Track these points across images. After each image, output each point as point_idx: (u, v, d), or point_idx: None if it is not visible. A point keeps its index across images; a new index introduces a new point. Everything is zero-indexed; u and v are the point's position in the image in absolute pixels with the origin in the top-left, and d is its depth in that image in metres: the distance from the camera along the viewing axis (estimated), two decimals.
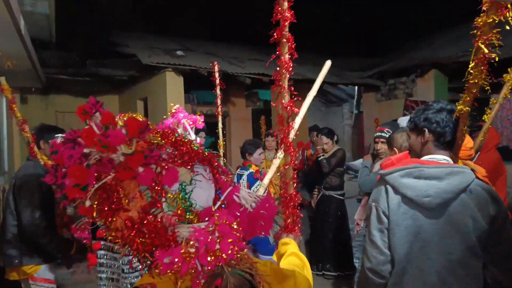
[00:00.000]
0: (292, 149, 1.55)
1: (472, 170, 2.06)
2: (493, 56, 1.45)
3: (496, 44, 1.41)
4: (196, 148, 0.97)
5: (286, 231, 1.62)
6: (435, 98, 7.26)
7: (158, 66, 6.13)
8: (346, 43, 9.13)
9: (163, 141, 0.94)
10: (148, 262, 0.86)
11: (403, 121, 3.77)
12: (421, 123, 1.63)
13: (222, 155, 4.41)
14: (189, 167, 0.91)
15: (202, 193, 0.91)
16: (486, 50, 1.39)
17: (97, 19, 7.79)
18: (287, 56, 1.47)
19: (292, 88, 1.58)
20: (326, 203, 4.63)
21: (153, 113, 7.08)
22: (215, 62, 4.24)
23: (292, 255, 1.36)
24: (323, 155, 4.55)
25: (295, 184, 1.67)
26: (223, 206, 0.95)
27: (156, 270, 0.83)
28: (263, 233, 1.02)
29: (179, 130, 1.16)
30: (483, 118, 2.17)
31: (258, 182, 3.37)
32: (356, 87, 11.50)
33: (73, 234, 2.21)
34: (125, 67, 6.89)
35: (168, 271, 0.81)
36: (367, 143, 8.90)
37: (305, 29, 9.35)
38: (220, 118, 4.42)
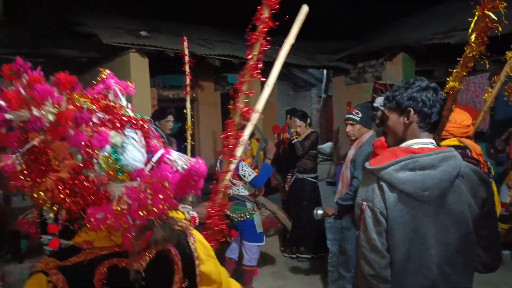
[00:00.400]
0: (232, 157, 1.52)
1: (466, 148, 2.04)
2: (496, 27, 1.37)
3: (503, 12, 1.34)
4: (128, 113, 1.02)
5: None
6: (403, 81, 7.36)
7: (121, 46, 5.74)
8: (316, 25, 9.02)
9: (93, 106, 0.97)
10: (82, 221, 0.89)
11: (380, 101, 3.74)
12: (405, 102, 1.48)
13: (190, 138, 4.21)
14: (120, 131, 0.95)
15: (134, 155, 0.93)
16: (493, 17, 1.31)
17: None
18: (255, 57, 1.44)
19: (253, 92, 1.51)
20: (300, 186, 4.59)
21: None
22: (185, 38, 4.04)
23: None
24: (296, 138, 4.48)
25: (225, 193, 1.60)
26: (154, 167, 0.97)
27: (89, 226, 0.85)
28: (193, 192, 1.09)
29: (110, 96, 1.14)
30: (483, 97, 2.11)
31: (242, 164, 3.26)
32: (325, 71, 11.50)
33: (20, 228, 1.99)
34: (84, 48, 6.41)
35: (101, 225, 0.84)
36: (336, 126, 8.95)
37: (275, 12, 9.16)
38: (188, 98, 4.21)
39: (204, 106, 8.55)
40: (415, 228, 1.38)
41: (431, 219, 1.38)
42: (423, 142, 1.46)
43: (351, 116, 3.17)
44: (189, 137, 4.17)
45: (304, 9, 1.54)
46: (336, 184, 6.92)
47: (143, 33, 6.51)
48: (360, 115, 3.10)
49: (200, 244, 1.12)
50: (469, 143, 2.14)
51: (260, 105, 1.57)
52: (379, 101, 3.74)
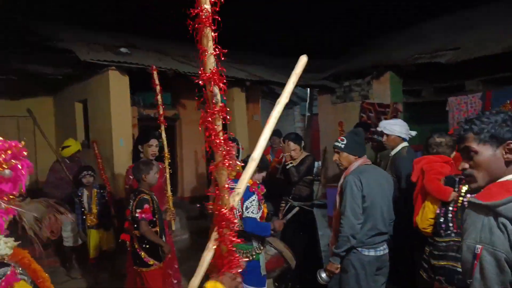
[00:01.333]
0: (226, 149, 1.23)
1: None
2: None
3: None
4: None
5: (220, 270, 1.25)
6: (391, 101, 7.28)
7: (100, 64, 5.38)
8: (301, 43, 8.93)
9: None
10: None
11: (385, 125, 3.53)
12: (506, 134, 1.30)
13: (168, 166, 3.87)
14: None
15: None
16: None
17: (19, 7, 6.71)
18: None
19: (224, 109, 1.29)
20: (296, 216, 4.26)
21: (94, 117, 6.27)
22: (154, 68, 3.93)
23: None
24: (291, 163, 4.18)
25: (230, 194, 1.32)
26: None
27: None
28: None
29: None
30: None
31: (253, 197, 2.87)
32: (308, 89, 11.40)
33: None
34: (58, 64, 6.01)
35: None
36: (322, 146, 8.76)
37: (260, 30, 9.05)
38: (163, 127, 3.93)
39: (187, 125, 8.21)
40: None
41: None
42: None
43: (336, 143, 2.90)
44: (167, 166, 3.88)
45: (303, 60, 1.27)
46: (326, 206, 6.69)
47: (123, 49, 6.18)
48: (345, 141, 2.82)
49: None
50: None
51: (256, 152, 1.28)
52: (383, 125, 3.53)
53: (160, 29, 7.63)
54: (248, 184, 2.90)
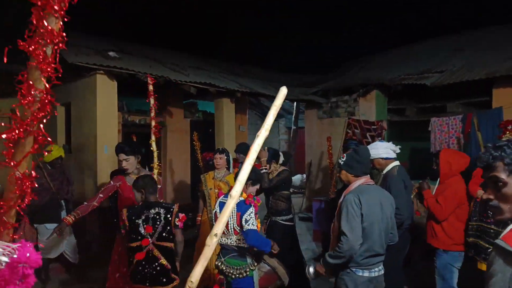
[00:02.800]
0: None
1: None
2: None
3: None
4: None
5: None
6: (376, 118, 7.40)
7: (88, 67, 5.24)
8: (289, 58, 9.03)
9: None
10: None
11: (379, 147, 3.56)
12: None
13: (157, 175, 3.79)
14: None
15: None
16: None
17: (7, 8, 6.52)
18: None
19: None
20: (275, 230, 4.21)
21: (77, 121, 6.08)
22: (151, 77, 3.88)
23: None
24: (265, 168, 4.13)
25: None
26: None
27: None
28: None
29: None
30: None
31: (251, 209, 2.78)
32: (295, 103, 11.49)
33: None
34: None
35: None
36: (308, 159, 8.80)
37: (253, 43, 9.11)
38: (154, 138, 3.86)
39: (172, 133, 8.09)
40: None
41: None
42: None
43: (338, 160, 2.90)
44: (157, 177, 3.76)
45: (282, 91, 1.21)
46: (311, 220, 6.67)
47: (111, 53, 6.06)
48: (344, 159, 2.82)
49: None
50: None
51: (236, 189, 1.17)
52: (377, 146, 3.56)
53: (152, 36, 7.56)
54: (243, 198, 2.85)
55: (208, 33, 7.52)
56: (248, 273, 2.76)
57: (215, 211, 2.96)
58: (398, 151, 3.62)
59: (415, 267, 4.65)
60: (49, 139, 1.22)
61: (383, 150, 3.51)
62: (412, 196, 3.81)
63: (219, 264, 2.89)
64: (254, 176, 2.97)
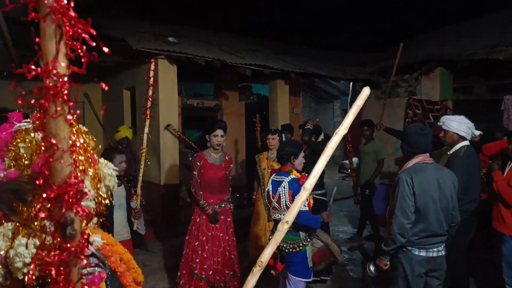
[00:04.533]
0: None
1: None
2: None
3: None
4: None
5: None
6: (440, 98, 6.97)
7: (150, 52, 5.52)
8: (346, 37, 8.72)
9: None
10: None
11: (447, 120, 3.39)
12: None
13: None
14: None
15: None
16: None
17: None
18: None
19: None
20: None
21: (141, 105, 6.44)
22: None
23: None
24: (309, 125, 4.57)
25: None
26: None
27: None
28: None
29: None
30: None
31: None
32: (351, 84, 11.15)
33: None
34: (111, 52, 6.20)
35: None
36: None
37: (306, 23, 8.93)
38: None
39: (228, 115, 8.29)
40: None
41: None
42: None
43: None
44: (143, 162, 3.50)
45: (365, 91, 1.15)
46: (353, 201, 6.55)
47: (171, 39, 6.30)
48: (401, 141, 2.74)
49: None
50: None
51: (309, 182, 1.17)
52: (443, 119, 3.39)
53: (206, 20, 7.71)
54: (296, 177, 2.88)
55: (261, 14, 7.47)
56: (301, 247, 2.81)
57: (268, 189, 3.00)
58: (477, 134, 3.41)
59: (477, 256, 4.41)
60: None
61: (464, 128, 3.27)
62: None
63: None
64: (293, 148, 2.97)
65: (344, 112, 13.06)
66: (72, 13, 0.66)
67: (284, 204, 2.84)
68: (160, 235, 5.80)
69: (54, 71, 0.65)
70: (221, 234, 3.70)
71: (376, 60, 8.25)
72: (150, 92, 3.69)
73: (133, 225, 3.24)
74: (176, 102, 6.01)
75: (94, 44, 0.69)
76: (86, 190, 0.78)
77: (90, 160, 0.94)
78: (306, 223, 2.76)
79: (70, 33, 0.67)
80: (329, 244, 3.00)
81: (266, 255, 1.18)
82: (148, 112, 3.64)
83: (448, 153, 3.39)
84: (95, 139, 1.03)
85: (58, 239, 0.72)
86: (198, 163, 3.61)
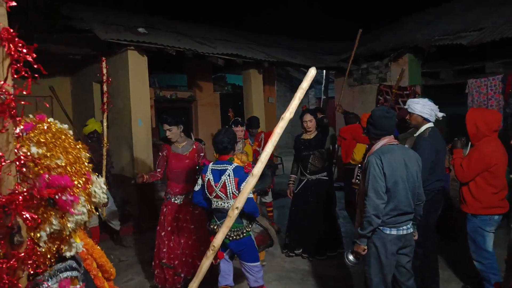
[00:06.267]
0: None
1: None
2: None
3: None
4: None
5: None
6: (409, 83, 7.16)
7: (119, 43, 5.40)
8: (318, 26, 8.80)
9: None
10: None
11: (412, 103, 3.49)
12: None
13: (105, 154, 3.84)
14: None
15: None
16: None
17: None
18: None
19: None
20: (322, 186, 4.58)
21: (112, 97, 6.29)
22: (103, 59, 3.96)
23: None
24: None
25: None
26: None
27: None
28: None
29: None
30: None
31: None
32: (324, 72, 11.28)
33: None
34: (79, 44, 6.04)
35: None
36: (338, 128, 8.70)
37: (280, 12, 8.94)
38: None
39: (203, 106, 8.24)
40: None
41: None
42: None
43: None
44: (105, 154, 3.85)
45: (311, 73, 1.19)
46: (343, 189, 6.69)
47: (141, 29, 6.18)
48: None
49: None
50: None
51: (257, 168, 1.23)
52: (408, 103, 3.49)
53: (178, 10, 7.59)
54: (238, 164, 2.88)
55: (234, 4, 7.43)
56: (245, 234, 2.86)
57: (208, 179, 2.91)
58: (441, 117, 3.51)
59: (449, 236, 4.60)
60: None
61: (428, 110, 3.36)
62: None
63: (215, 227, 2.94)
64: (232, 135, 2.99)
65: (319, 101, 13.22)
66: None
67: (231, 192, 2.83)
68: (138, 228, 5.76)
69: (3, 90, 0.74)
70: (192, 226, 3.71)
71: (349, 49, 8.35)
72: (105, 88, 3.84)
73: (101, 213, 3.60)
74: (147, 93, 5.92)
75: (36, 66, 0.79)
76: (80, 206, 0.90)
77: (86, 177, 0.96)
78: (253, 210, 2.80)
79: (15, 57, 0.74)
80: (268, 229, 3.09)
81: (218, 240, 1.32)
82: (105, 107, 3.79)
83: (414, 135, 3.51)
84: (88, 154, 1.03)
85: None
86: (162, 153, 3.83)
